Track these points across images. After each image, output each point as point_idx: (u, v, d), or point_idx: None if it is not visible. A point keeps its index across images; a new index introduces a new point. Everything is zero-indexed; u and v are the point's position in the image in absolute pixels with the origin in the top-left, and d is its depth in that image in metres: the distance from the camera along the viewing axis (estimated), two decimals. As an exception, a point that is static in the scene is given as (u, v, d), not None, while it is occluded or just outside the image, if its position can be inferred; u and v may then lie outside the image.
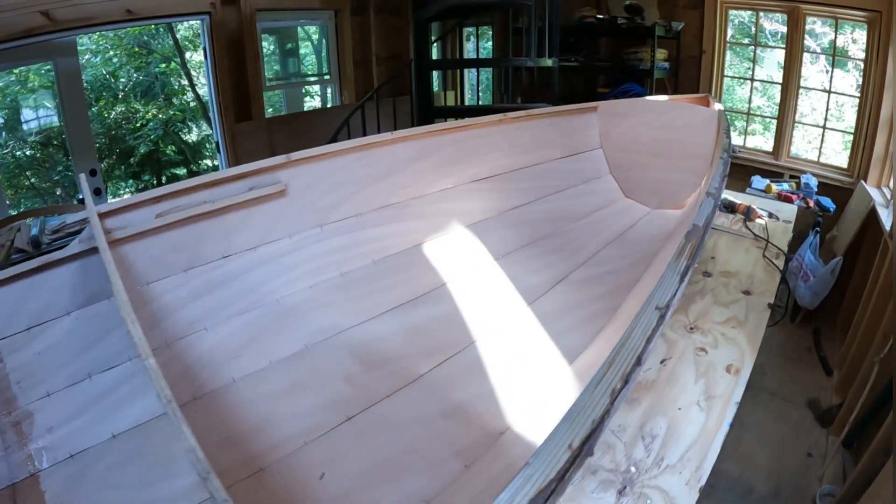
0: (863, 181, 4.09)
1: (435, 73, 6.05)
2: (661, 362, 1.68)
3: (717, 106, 2.99)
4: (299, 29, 7.33)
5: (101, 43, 8.20)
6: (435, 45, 7.39)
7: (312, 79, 7.66)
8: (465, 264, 2.08)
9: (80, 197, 6.52)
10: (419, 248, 2.05)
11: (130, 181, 8.74)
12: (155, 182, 8.77)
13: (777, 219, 2.99)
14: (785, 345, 3.89)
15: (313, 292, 1.70)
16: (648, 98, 3.39)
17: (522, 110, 2.84)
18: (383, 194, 2.04)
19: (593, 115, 3.10)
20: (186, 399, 1.31)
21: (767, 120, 5.10)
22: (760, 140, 5.43)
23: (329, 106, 6.79)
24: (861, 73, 4.20)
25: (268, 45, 7.65)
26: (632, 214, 2.84)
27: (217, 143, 5.59)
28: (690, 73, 5.07)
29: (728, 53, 5.04)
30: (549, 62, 4.12)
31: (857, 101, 4.20)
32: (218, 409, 1.33)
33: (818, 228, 3.97)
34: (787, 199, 4.11)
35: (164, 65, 8.63)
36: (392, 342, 1.66)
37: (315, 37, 7.45)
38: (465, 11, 4.17)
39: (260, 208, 1.68)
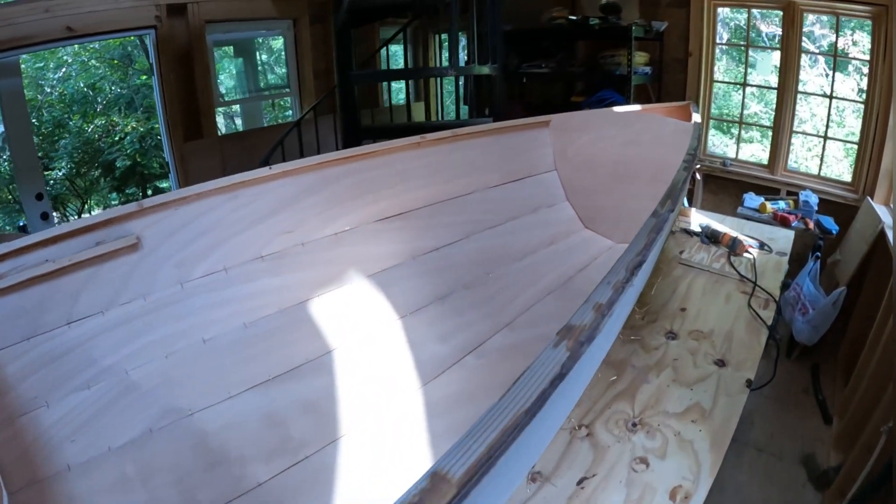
0: (869, 198, 3.60)
1: (403, 83, 5.61)
2: (579, 483, 1.19)
3: (696, 117, 2.51)
4: (263, 40, 7.00)
5: (82, 55, 8.11)
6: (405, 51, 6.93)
7: (268, 93, 7.26)
8: (358, 326, 1.75)
9: (22, 223, 6.06)
10: (303, 306, 1.73)
11: (115, 194, 8.71)
12: (140, 195, 8.64)
13: (769, 250, 2.52)
14: (779, 386, 3.40)
15: (168, 363, 1.47)
16: (611, 109, 2.91)
17: (457, 128, 2.36)
18: (259, 242, 1.75)
19: (545, 130, 2.63)
20: (21, 484, 1.16)
21: (765, 128, 4.60)
22: (758, 149, 4.92)
23: (290, 120, 6.43)
24: (864, 77, 3.69)
25: (224, 57, 7.55)
26: (589, 250, 2.36)
27: (168, 164, 5.27)
28: (676, 78, 4.59)
29: (724, 57, 4.55)
30: (485, 69, 3.64)
31: (862, 107, 3.69)
32: (48, 502, 1.16)
33: (819, 253, 3.46)
34: (784, 221, 3.61)
35: (144, 77, 8.45)
36: (241, 432, 1.39)
37: (277, 48, 7.11)
38: (374, 13, 3.63)
39: (108, 265, 1.50)
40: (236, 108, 7.15)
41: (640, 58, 4.38)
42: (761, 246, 2.58)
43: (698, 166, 4.43)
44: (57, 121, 7.91)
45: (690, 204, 3.99)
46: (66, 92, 7.92)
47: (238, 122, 7.82)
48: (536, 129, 2.63)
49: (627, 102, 4.14)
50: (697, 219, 3.03)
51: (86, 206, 8.63)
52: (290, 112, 6.59)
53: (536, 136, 2.62)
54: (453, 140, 2.32)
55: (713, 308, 1.99)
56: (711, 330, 1.84)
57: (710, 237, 2.65)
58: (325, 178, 1.93)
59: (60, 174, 8.10)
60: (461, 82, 4.96)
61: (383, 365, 1.65)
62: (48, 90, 8.01)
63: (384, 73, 5.48)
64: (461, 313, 1.91)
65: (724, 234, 2.58)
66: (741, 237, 2.50)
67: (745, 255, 2.44)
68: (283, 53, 6.19)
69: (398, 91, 8.04)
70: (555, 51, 4.87)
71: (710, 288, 2.18)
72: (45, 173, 7.58)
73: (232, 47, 6.71)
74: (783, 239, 2.78)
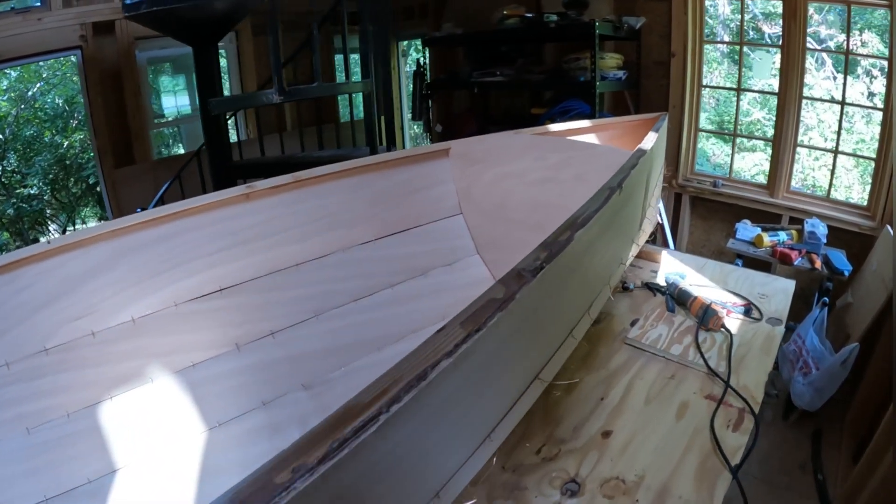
0: (889, 227, 2.88)
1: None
2: None
3: (650, 139, 1.87)
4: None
5: (58, 70, 7.86)
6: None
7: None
8: (152, 439, 1.41)
9: None
10: (94, 409, 1.42)
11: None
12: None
13: (758, 317, 1.85)
14: (772, 458, 2.76)
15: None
16: (521, 133, 2.23)
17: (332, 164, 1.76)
18: (42, 332, 1.45)
19: (444, 162, 1.97)
20: None
21: (766, 141, 3.89)
22: (763, 158, 4.21)
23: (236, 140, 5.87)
24: (874, 80, 2.98)
25: (163, 75, 7.14)
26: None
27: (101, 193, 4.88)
28: (658, 84, 3.91)
29: (726, 61, 3.86)
30: (357, 86, 3.05)
31: (876, 114, 2.98)
32: None
33: (826, 299, 2.77)
34: (785, 258, 2.91)
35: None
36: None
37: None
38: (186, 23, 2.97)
39: None
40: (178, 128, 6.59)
41: (610, 60, 3.71)
42: (747, 311, 1.93)
43: (685, 185, 3.75)
44: (32, 137, 7.73)
45: (663, 243, 3.29)
46: (43, 107, 7.70)
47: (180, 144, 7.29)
48: (433, 160, 2.00)
49: (592, 114, 3.46)
50: (669, 265, 2.37)
51: (75, 218, 8.45)
52: (234, 132, 6.01)
53: (433, 171, 1.99)
54: (302, 185, 1.71)
55: (656, 430, 1.35)
56: (641, 477, 1.19)
57: (677, 299, 1.98)
58: (123, 249, 1.56)
59: (33, 191, 7.85)
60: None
61: (169, 496, 1.30)
62: (22, 106, 7.75)
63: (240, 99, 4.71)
64: (284, 428, 1.45)
65: (696, 298, 1.90)
66: (717, 305, 1.83)
67: (723, 328, 1.78)
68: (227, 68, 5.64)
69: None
70: (515, 56, 4.21)
71: (660, 390, 1.53)
72: (18, 191, 7.61)
73: (169, 64, 6.17)
74: (780, 294, 2.13)
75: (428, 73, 4.56)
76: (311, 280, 1.77)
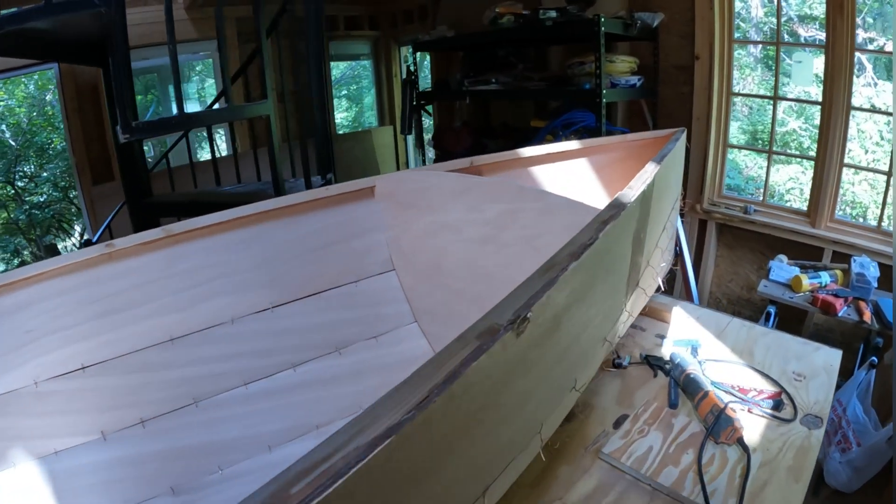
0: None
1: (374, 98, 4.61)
2: None
3: (649, 171, 1.43)
4: (197, 64, 6.21)
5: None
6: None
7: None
8: None
9: None
10: None
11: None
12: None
13: (790, 416, 1.39)
14: None
15: None
16: (459, 175, 1.74)
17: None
18: None
19: (371, 204, 1.56)
20: None
21: (807, 159, 3.33)
22: (800, 172, 3.64)
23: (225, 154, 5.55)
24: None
25: (149, 86, 6.86)
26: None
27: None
28: (678, 92, 3.39)
29: (759, 66, 3.32)
30: (257, 110, 2.67)
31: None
32: None
33: (875, 359, 2.24)
34: (828, 306, 2.38)
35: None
36: None
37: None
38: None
39: None
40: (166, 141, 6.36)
41: (622, 64, 3.21)
42: (777, 405, 1.44)
43: (709, 210, 3.23)
44: (44, 144, 7.74)
45: (683, 278, 2.78)
46: (54, 113, 7.54)
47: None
48: (354, 201, 1.58)
49: (597, 128, 2.97)
50: (682, 327, 1.90)
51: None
52: (225, 145, 5.70)
53: (356, 215, 1.59)
54: (178, 241, 1.40)
55: None
56: None
57: (683, 387, 1.51)
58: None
59: (43, 199, 7.86)
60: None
61: None
62: (34, 114, 7.77)
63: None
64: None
65: (707, 393, 1.42)
66: (734, 407, 1.35)
67: (739, 439, 1.30)
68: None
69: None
70: (515, 61, 3.74)
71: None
72: (29, 198, 7.66)
73: (156, 75, 5.91)
74: (822, 374, 1.67)
75: (424, 81, 4.11)
76: (189, 358, 1.47)
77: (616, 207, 1.12)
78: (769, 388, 1.56)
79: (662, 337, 1.95)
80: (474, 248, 1.47)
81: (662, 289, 2.35)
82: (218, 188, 3.12)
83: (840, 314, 2.36)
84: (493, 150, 3.88)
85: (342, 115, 8.18)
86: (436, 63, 5.04)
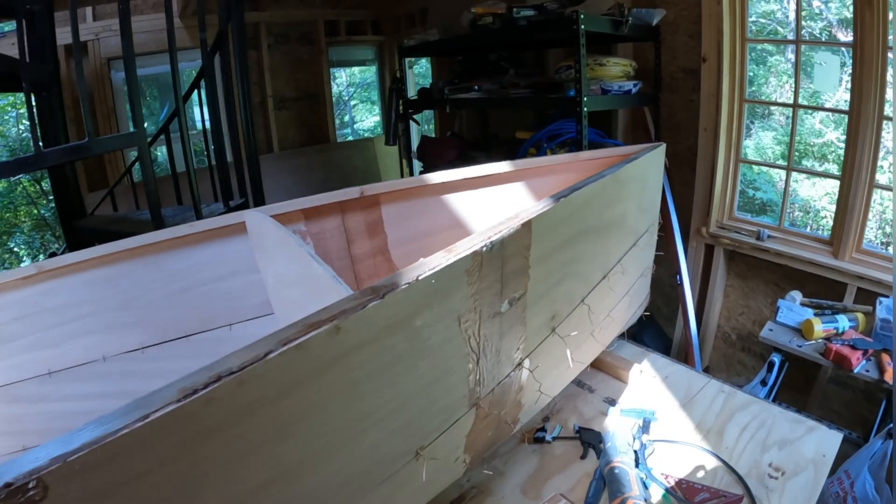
0: None
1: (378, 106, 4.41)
2: None
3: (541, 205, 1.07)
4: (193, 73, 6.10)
5: None
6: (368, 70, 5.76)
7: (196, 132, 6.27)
8: None
9: None
10: None
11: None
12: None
13: None
14: None
15: None
16: (270, 210, 1.45)
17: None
18: None
19: (243, 241, 1.36)
20: None
21: (832, 178, 2.86)
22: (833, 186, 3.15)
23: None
24: None
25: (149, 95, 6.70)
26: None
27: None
28: (687, 99, 2.98)
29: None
30: (124, 142, 2.44)
31: None
32: None
33: (893, 426, 1.79)
34: (842, 360, 1.94)
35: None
36: None
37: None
38: None
39: None
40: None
41: (614, 67, 2.82)
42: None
43: (720, 235, 2.81)
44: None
45: (682, 312, 2.38)
46: None
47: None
48: (223, 238, 1.45)
49: (578, 140, 2.59)
50: (642, 385, 1.58)
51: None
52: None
53: (228, 253, 1.36)
54: (53, 276, 1.41)
55: None
56: None
57: (608, 481, 1.17)
58: None
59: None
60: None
61: None
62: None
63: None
64: None
65: (624, 501, 1.08)
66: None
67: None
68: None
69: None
70: (507, 65, 3.39)
71: None
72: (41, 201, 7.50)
73: (155, 83, 5.83)
74: (810, 465, 1.33)
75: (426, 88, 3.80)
76: (64, 393, 1.47)
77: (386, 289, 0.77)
78: (728, 490, 1.19)
79: (612, 402, 1.57)
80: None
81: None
82: (132, 213, 2.88)
83: (856, 370, 1.91)
84: (482, 162, 3.56)
85: (373, 121, 7.95)
86: (436, 69, 4.74)
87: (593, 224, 1.28)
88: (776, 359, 2.15)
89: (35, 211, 7.69)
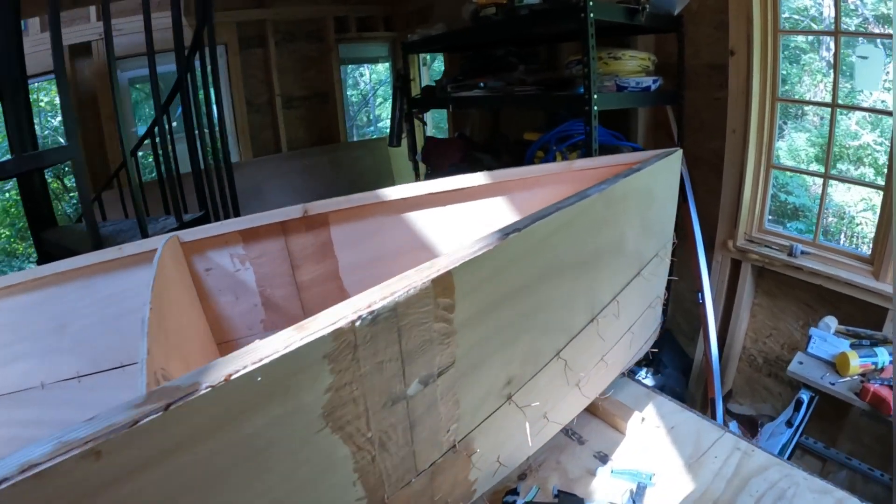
0: None
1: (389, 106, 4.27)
2: None
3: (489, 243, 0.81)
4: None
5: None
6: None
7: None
8: None
9: None
10: None
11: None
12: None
13: None
14: None
15: None
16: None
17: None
18: None
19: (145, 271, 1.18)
20: None
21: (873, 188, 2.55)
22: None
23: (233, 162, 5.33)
24: None
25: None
26: None
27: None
28: (712, 98, 2.70)
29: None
30: (57, 156, 2.44)
31: None
32: None
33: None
34: (880, 405, 1.67)
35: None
36: None
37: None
38: None
39: None
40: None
41: (630, 61, 2.57)
42: None
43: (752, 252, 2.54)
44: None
45: (704, 335, 2.14)
46: None
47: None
48: (133, 267, 1.31)
49: (588, 144, 2.35)
50: (642, 437, 1.43)
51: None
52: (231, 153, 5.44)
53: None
54: None
55: None
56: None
57: None
58: None
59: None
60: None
61: None
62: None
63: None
64: None
65: None
66: None
67: None
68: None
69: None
70: (517, 61, 3.16)
71: None
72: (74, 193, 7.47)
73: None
74: None
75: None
76: (3, 419, 1.36)
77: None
78: None
79: (604, 459, 1.34)
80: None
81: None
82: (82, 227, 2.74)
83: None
84: (488, 167, 3.33)
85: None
86: (448, 66, 4.51)
87: (569, 259, 1.04)
88: (805, 396, 1.88)
89: (59, 207, 7.83)
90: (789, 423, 1.89)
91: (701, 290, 2.72)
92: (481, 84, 2.98)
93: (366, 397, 0.69)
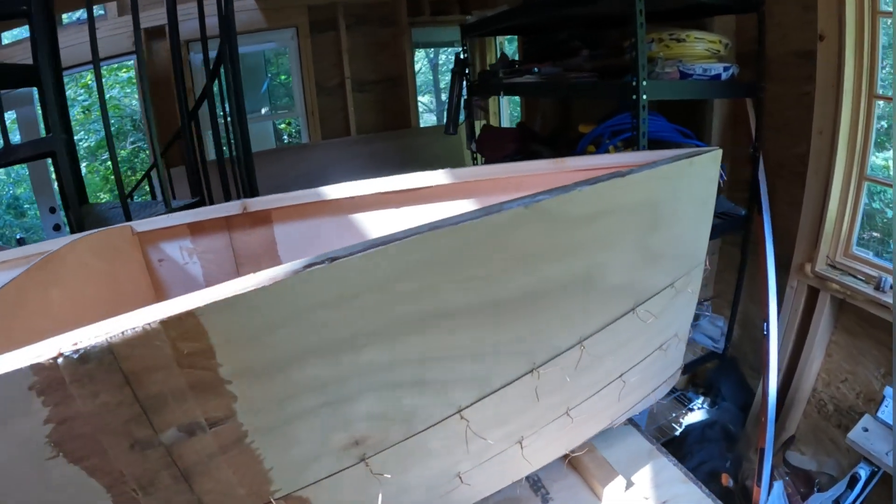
0: None
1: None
2: None
3: None
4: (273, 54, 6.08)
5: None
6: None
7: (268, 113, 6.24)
8: None
9: (19, 237, 5.96)
10: None
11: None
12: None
13: None
14: None
15: None
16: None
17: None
18: None
19: None
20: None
21: None
22: None
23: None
24: None
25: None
26: None
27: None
28: (798, 91, 2.30)
29: None
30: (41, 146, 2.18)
31: None
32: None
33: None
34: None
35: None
36: None
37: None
38: None
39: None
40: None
41: (697, 44, 2.23)
42: None
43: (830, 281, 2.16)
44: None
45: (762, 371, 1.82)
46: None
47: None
48: None
49: (632, 140, 2.07)
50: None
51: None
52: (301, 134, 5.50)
53: None
54: None
55: None
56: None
57: None
58: None
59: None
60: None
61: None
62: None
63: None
64: None
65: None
66: None
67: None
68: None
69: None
70: (582, 44, 2.88)
71: None
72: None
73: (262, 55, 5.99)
74: None
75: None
76: None
77: None
78: None
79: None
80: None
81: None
82: (104, 206, 2.78)
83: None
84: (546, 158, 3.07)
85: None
86: (521, 51, 4.27)
87: (463, 302, 0.82)
88: (863, 472, 1.52)
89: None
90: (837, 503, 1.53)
91: (767, 319, 2.34)
92: (535, 69, 2.73)
93: (99, 436, 0.56)
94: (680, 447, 2.57)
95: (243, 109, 2.83)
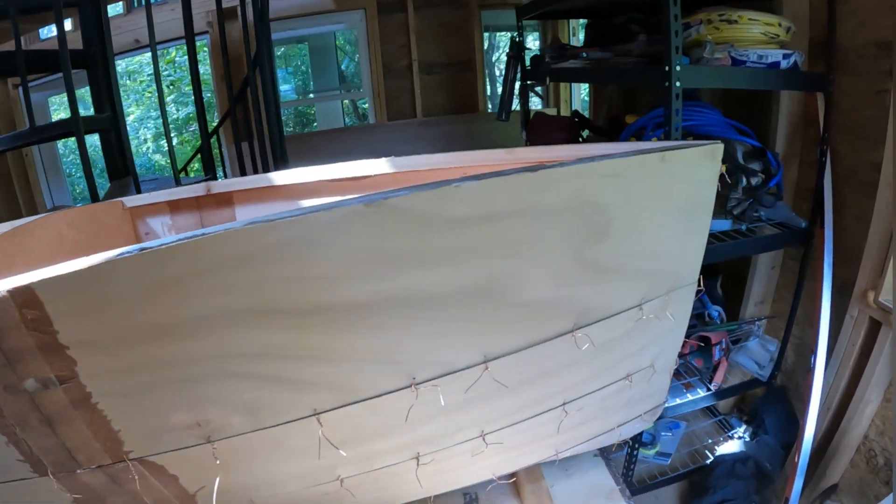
0: None
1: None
2: None
3: None
4: (341, 34, 6.13)
5: None
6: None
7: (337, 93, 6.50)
8: None
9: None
10: None
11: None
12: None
13: None
14: None
15: None
16: None
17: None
18: None
19: None
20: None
21: None
22: None
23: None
24: None
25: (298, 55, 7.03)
26: None
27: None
28: (878, 88, 1.98)
29: None
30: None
31: None
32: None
33: None
34: None
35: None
36: None
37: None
38: None
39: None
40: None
41: (754, 27, 1.97)
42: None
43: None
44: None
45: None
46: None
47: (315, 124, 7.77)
48: None
49: (666, 131, 1.88)
50: None
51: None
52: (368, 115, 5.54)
53: None
54: None
55: None
56: None
57: None
58: None
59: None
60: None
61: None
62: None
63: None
64: None
65: None
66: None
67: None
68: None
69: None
70: (639, 28, 2.65)
71: None
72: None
73: (307, 44, 6.20)
74: None
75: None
76: None
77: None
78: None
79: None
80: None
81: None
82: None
83: None
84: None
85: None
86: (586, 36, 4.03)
87: (304, 300, 0.78)
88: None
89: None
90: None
91: (815, 351, 2.06)
92: (583, 54, 2.55)
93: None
94: (705, 478, 2.33)
95: (277, 91, 2.93)
